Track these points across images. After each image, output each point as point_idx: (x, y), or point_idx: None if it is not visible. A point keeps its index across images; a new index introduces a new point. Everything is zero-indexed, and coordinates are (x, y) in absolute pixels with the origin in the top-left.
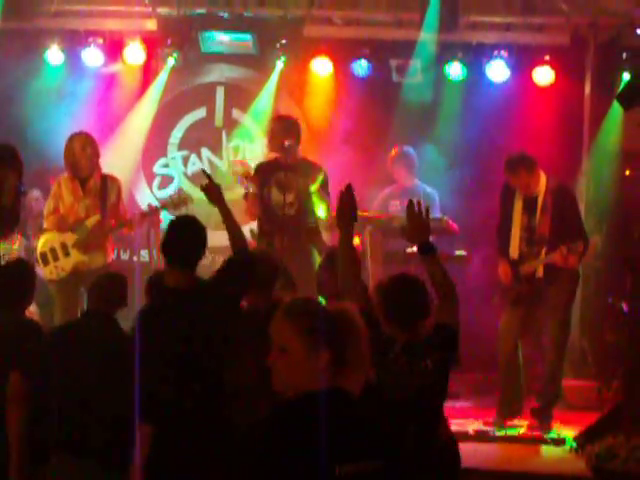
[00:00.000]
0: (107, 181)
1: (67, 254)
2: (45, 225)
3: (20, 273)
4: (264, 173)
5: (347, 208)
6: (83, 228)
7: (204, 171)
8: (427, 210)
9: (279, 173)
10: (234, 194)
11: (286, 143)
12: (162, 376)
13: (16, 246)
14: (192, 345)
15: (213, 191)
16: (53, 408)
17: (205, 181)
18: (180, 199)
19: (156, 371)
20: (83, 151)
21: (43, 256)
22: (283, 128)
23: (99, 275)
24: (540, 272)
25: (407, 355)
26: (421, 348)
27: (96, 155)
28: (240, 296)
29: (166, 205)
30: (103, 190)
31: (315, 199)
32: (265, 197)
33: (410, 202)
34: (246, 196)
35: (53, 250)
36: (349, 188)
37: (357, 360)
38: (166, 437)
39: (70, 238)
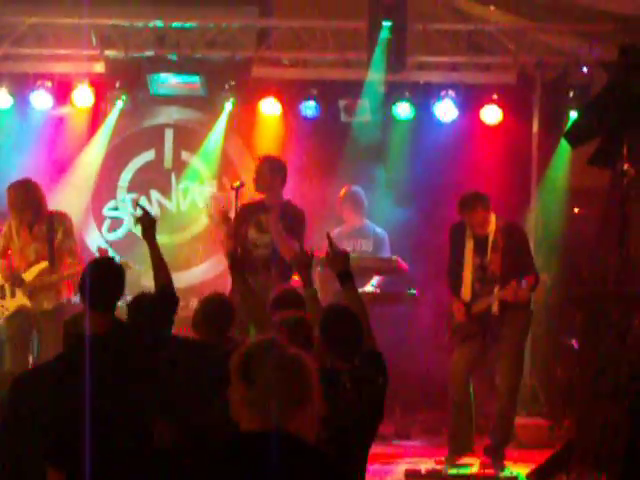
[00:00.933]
0: (54, 221)
1: (13, 294)
2: None
3: None
4: (246, 213)
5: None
6: (29, 274)
7: (138, 204)
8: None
9: (260, 214)
10: (187, 233)
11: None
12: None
13: None
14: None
15: (147, 224)
16: None
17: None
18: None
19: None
20: (24, 199)
21: None
22: (270, 169)
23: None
24: (495, 308)
25: (353, 383)
26: (361, 375)
27: (38, 200)
28: (163, 332)
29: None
30: (49, 232)
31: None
32: (242, 235)
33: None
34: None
35: (2, 288)
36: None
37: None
38: None
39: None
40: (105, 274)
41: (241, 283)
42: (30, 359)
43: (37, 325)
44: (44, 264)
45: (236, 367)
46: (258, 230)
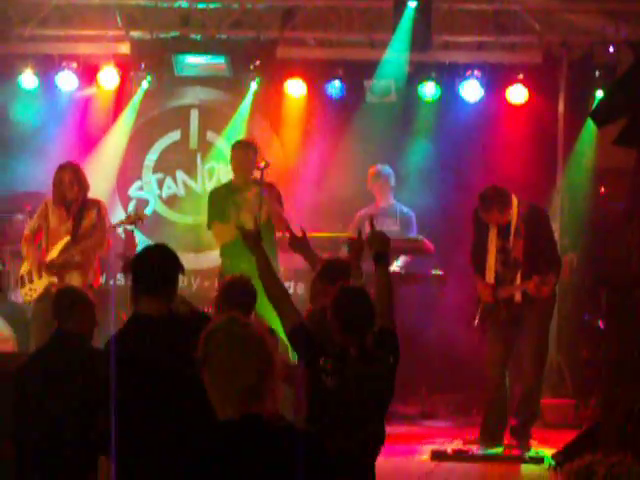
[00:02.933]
0: (89, 205)
1: (40, 276)
2: (22, 246)
3: None
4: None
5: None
6: (54, 251)
7: (255, 219)
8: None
9: (236, 195)
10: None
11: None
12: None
13: None
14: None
15: (251, 236)
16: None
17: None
18: (136, 216)
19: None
20: (71, 183)
21: (21, 279)
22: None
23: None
24: (518, 297)
25: (362, 361)
26: (372, 352)
27: (83, 185)
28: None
29: (122, 222)
30: (81, 213)
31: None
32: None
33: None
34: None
35: (29, 272)
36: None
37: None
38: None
39: (44, 261)
40: (161, 258)
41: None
42: None
43: None
44: (67, 239)
45: (199, 353)
46: (239, 211)
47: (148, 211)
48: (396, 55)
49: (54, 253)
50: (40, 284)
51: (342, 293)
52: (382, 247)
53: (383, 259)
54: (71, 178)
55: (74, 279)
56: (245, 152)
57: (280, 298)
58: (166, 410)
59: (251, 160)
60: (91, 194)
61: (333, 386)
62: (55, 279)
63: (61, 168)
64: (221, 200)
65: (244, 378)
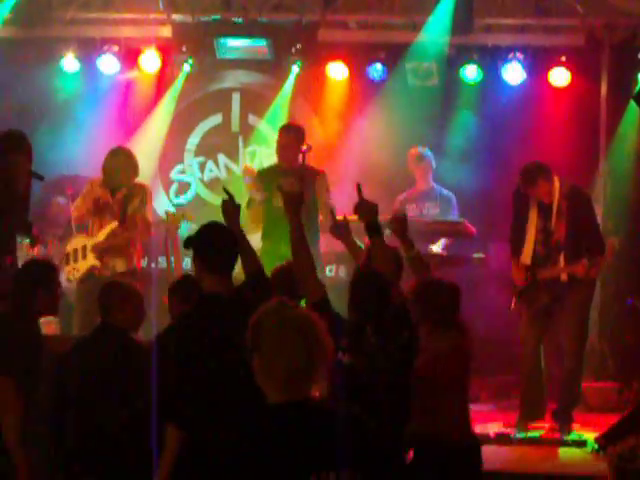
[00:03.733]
0: (135, 189)
1: (84, 256)
2: (72, 225)
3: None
4: (265, 180)
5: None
6: (101, 234)
7: (225, 189)
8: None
9: (280, 179)
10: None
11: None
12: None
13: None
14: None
15: (230, 210)
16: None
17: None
18: (181, 215)
19: (198, 374)
20: (123, 169)
21: (67, 257)
22: (295, 137)
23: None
24: (564, 277)
25: (377, 336)
26: (384, 328)
27: (134, 170)
28: None
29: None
30: (127, 197)
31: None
32: (269, 202)
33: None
34: (249, 204)
35: (75, 251)
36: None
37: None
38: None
39: (91, 241)
40: (223, 237)
41: None
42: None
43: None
44: (114, 224)
45: (248, 338)
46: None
47: (190, 194)
48: (437, 38)
49: (101, 236)
50: (84, 265)
51: (356, 274)
52: (371, 215)
53: (377, 229)
54: (123, 164)
55: (117, 264)
56: (290, 135)
57: (307, 270)
58: (233, 389)
59: (296, 144)
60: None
61: (348, 363)
62: (98, 262)
63: (113, 154)
64: (266, 182)
65: (295, 362)
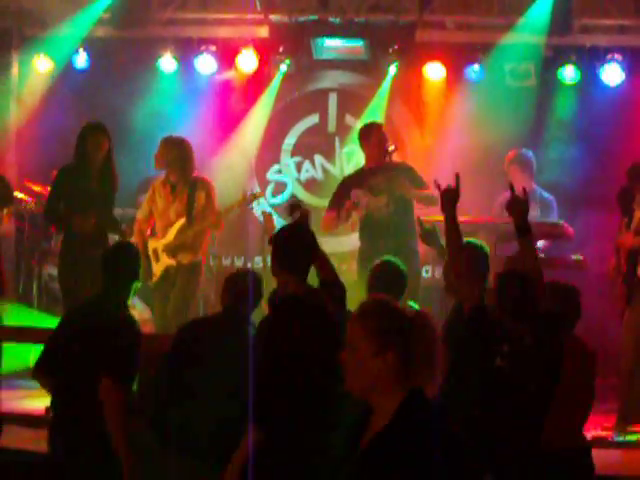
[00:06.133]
0: (197, 185)
1: (157, 259)
2: (135, 232)
3: None
4: (354, 181)
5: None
6: (170, 234)
7: (293, 203)
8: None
9: (370, 179)
10: None
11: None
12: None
13: None
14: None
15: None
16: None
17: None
18: (252, 195)
19: (284, 377)
20: (173, 157)
21: None
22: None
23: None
24: None
25: (534, 343)
26: (540, 335)
27: (187, 160)
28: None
29: (239, 203)
30: (191, 195)
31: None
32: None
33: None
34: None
35: (147, 257)
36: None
37: (428, 362)
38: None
39: (160, 244)
40: (299, 238)
41: None
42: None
43: (176, 278)
44: (182, 221)
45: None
46: (373, 194)
47: (286, 194)
48: (535, 38)
49: (170, 236)
50: (158, 267)
51: (502, 276)
52: (522, 214)
53: (525, 230)
54: (175, 156)
55: (184, 259)
56: (372, 134)
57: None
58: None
59: (382, 142)
60: (230, 176)
61: (506, 369)
62: (173, 261)
63: (162, 142)
64: (352, 185)
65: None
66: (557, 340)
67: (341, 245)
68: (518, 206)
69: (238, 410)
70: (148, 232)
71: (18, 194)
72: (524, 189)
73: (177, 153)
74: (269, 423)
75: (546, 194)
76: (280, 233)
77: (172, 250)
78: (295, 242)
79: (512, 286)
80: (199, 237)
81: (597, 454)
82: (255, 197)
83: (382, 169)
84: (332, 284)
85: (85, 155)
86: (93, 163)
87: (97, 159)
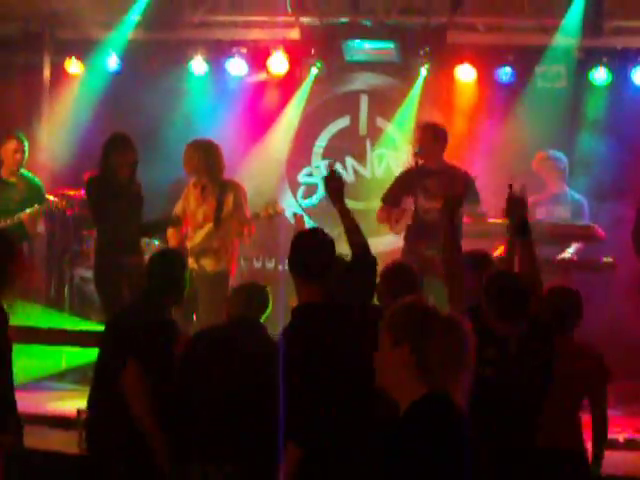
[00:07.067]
0: (227, 188)
1: None
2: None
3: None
4: (411, 179)
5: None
6: (197, 236)
7: (330, 165)
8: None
9: (426, 180)
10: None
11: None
12: (318, 396)
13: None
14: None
15: (333, 186)
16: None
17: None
18: (273, 209)
19: (311, 390)
20: (201, 160)
21: None
22: (433, 135)
23: (240, 284)
24: None
25: (520, 349)
26: (527, 341)
27: (216, 163)
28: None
29: (258, 215)
30: (220, 197)
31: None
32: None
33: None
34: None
35: None
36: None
37: (451, 366)
38: (317, 461)
39: (187, 244)
40: (319, 245)
41: None
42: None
43: (197, 287)
44: (210, 226)
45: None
46: (426, 196)
47: (317, 197)
48: (567, 40)
49: (197, 239)
50: None
51: (495, 277)
52: (520, 214)
53: (524, 230)
54: (201, 159)
55: (207, 264)
56: (426, 134)
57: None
58: (346, 398)
59: (437, 143)
60: (260, 179)
61: (492, 376)
62: (195, 265)
63: (189, 146)
64: (408, 182)
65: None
66: (547, 341)
67: (382, 244)
68: (516, 206)
69: (258, 416)
70: (183, 230)
71: (50, 197)
72: (524, 186)
73: (203, 156)
74: (308, 438)
75: (577, 196)
76: (298, 238)
77: (196, 254)
78: (314, 247)
79: (499, 286)
80: (225, 244)
81: (628, 457)
82: (277, 212)
83: (441, 173)
84: (362, 252)
85: (110, 168)
86: (118, 175)
87: (123, 172)
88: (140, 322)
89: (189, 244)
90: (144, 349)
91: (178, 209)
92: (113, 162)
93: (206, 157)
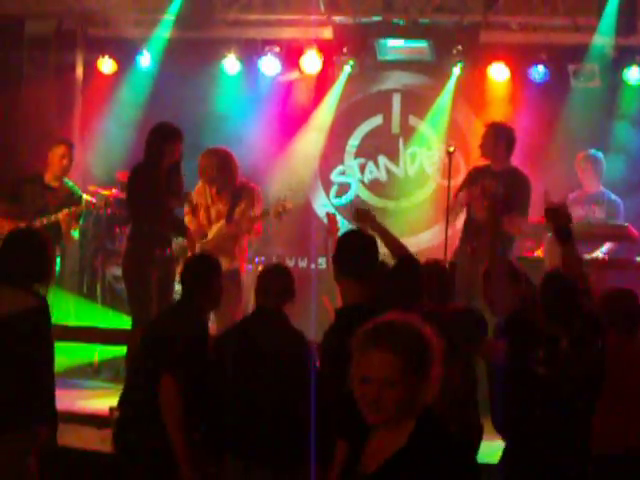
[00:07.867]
0: (242, 191)
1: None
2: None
3: None
4: (475, 175)
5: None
6: (211, 232)
7: (358, 208)
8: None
9: (485, 179)
10: (414, 198)
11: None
12: None
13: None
14: None
15: (363, 217)
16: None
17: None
18: (282, 207)
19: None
20: (215, 170)
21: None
22: (495, 135)
23: (264, 270)
24: None
25: (572, 347)
26: (580, 339)
27: (230, 172)
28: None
29: (265, 215)
30: (234, 199)
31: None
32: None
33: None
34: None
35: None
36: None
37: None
38: None
39: (200, 242)
40: (361, 244)
41: None
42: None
43: None
44: (222, 222)
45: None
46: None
47: (350, 195)
48: (600, 39)
49: (211, 234)
50: None
51: (546, 280)
52: (561, 220)
53: (566, 235)
54: (214, 164)
55: (224, 263)
56: (487, 134)
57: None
58: None
59: (499, 144)
60: (293, 178)
61: (545, 375)
62: None
63: (202, 156)
64: (472, 179)
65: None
66: (596, 342)
67: (424, 241)
68: (556, 214)
69: (292, 411)
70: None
71: (87, 196)
72: (546, 192)
73: (218, 166)
74: (359, 436)
75: (613, 196)
76: (343, 238)
77: (206, 250)
78: (358, 248)
79: (552, 288)
80: (235, 242)
81: None
82: (285, 209)
83: (503, 175)
84: (404, 257)
85: (158, 157)
86: (163, 166)
87: (168, 163)
88: (178, 335)
89: (202, 241)
90: (182, 364)
91: (192, 202)
92: (163, 151)
93: (221, 167)
